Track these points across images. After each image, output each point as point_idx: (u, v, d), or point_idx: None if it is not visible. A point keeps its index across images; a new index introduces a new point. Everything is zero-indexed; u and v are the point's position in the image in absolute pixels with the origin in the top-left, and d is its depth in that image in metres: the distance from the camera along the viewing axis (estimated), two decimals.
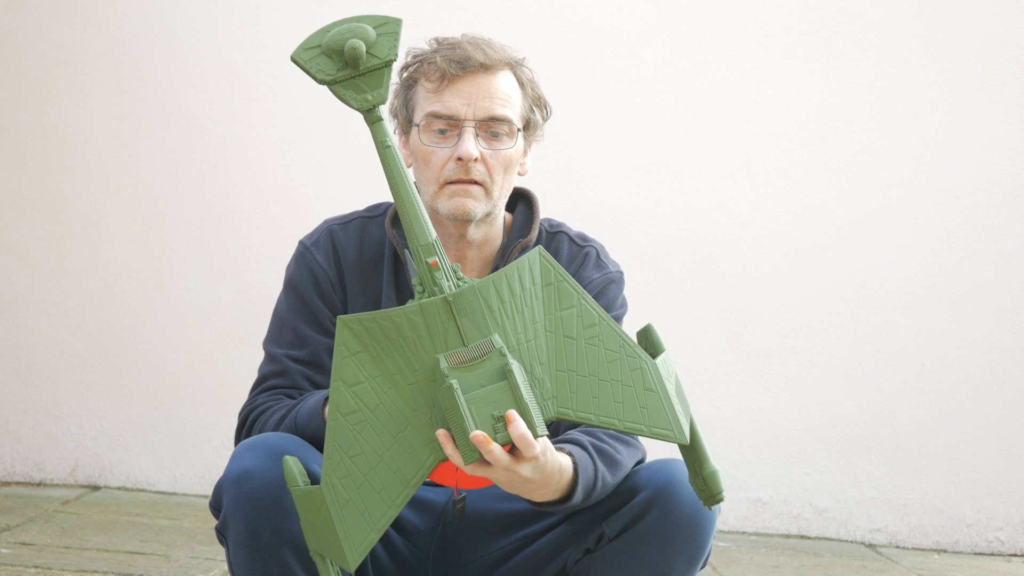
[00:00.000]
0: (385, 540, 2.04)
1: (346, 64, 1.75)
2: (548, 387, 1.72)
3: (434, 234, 1.77)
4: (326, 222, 2.21)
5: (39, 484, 4.42)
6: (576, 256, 2.16)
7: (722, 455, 4.42)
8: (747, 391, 4.45)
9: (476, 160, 2.06)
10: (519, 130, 2.11)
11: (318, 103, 4.43)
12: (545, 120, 2.18)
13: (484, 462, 1.71)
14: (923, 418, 4.45)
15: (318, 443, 1.93)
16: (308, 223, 2.46)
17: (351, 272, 2.12)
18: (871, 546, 4.42)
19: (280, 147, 4.46)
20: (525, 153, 2.17)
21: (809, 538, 4.44)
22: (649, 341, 1.80)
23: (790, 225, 4.47)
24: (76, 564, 3.29)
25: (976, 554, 4.44)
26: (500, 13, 4.35)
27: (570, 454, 1.89)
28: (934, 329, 4.46)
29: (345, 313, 2.05)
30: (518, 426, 1.67)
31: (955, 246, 4.46)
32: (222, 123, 4.45)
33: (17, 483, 4.42)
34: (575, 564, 2.00)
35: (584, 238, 2.19)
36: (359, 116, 4.81)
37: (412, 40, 2.16)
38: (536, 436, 1.69)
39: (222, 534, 1.94)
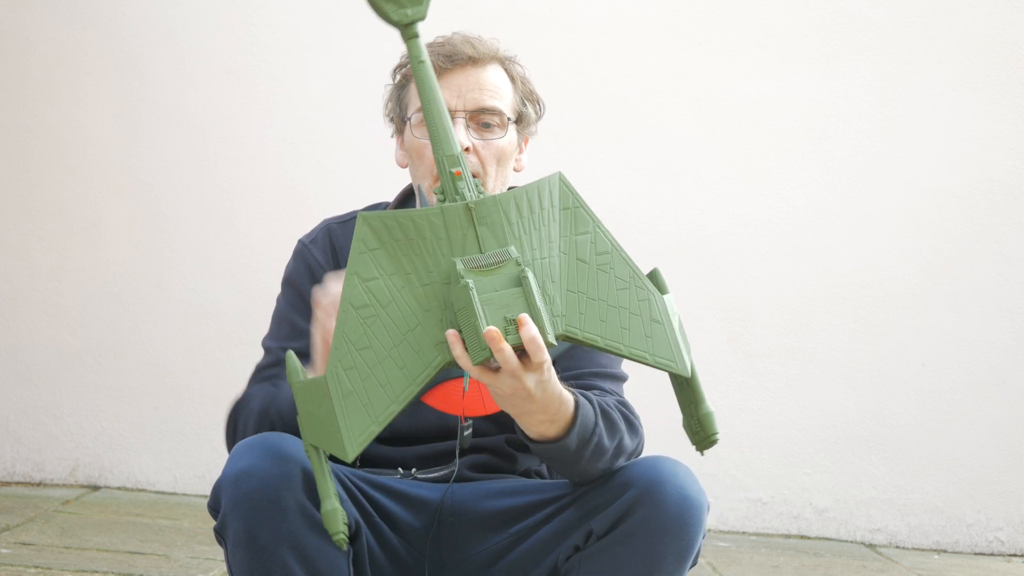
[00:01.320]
0: (381, 539, 2.05)
1: None
2: (558, 305, 1.74)
3: (459, 147, 1.79)
4: (325, 221, 2.23)
5: (39, 484, 4.42)
6: None
7: (722, 455, 4.42)
8: (747, 391, 4.45)
9: (467, 150, 2.07)
10: (510, 120, 2.12)
11: (318, 103, 4.44)
12: (538, 116, 2.19)
13: (489, 369, 1.74)
14: (923, 418, 4.45)
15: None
16: (308, 223, 2.46)
17: None
18: (871, 546, 4.41)
19: (280, 147, 4.46)
20: (520, 149, 2.18)
21: (809, 538, 4.44)
22: (655, 284, 1.83)
23: (790, 225, 4.47)
24: (76, 564, 3.30)
25: (976, 554, 4.44)
26: (500, 13, 4.35)
27: (574, 395, 1.90)
28: (934, 329, 4.46)
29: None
30: (529, 328, 1.70)
31: (955, 246, 4.46)
32: (222, 123, 4.45)
33: (17, 483, 4.42)
34: (565, 562, 2.00)
35: None
36: (358, 116, 4.79)
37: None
38: (546, 342, 1.71)
39: (220, 535, 1.94)
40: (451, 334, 1.71)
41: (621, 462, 2.00)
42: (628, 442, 2.01)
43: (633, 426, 2.03)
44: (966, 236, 4.46)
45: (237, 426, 2.09)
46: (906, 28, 4.45)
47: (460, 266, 1.71)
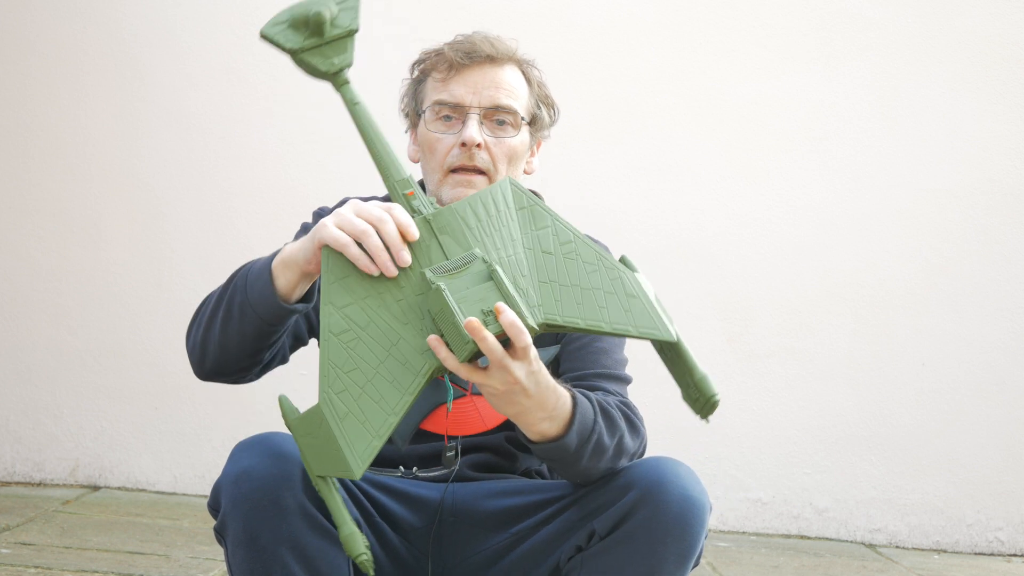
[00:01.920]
0: (382, 539, 2.05)
1: (312, 33, 1.87)
2: (533, 297, 1.77)
3: (407, 172, 1.85)
4: (346, 197, 2.27)
5: (39, 484, 4.42)
6: None
7: (722, 455, 4.43)
8: (747, 391, 4.45)
9: (479, 146, 2.09)
10: (524, 120, 2.14)
11: (318, 103, 4.43)
12: (552, 120, 2.22)
13: (478, 367, 1.75)
14: (923, 418, 4.45)
15: (262, 307, 1.92)
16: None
17: None
18: (871, 546, 4.42)
19: (280, 147, 4.46)
20: (532, 152, 2.20)
21: (809, 538, 4.44)
22: (625, 267, 1.87)
23: (790, 225, 4.47)
24: (76, 564, 3.30)
25: (976, 554, 4.44)
26: (500, 13, 4.35)
27: (571, 391, 1.91)
28: (934, 329, 4.46)
29: None
30: (508, 314, 1.71)
31: (955, 246, 4.46)
32: (222, 123, 4.45)
33: (17, 483, 4.42)
34: (567, 562, 2.00)
35: (591, 239, 2.20)
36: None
37: (413, 40, 2.19)
38: (527, 326, 1.72)
39: (220, 534, 1.94)
40: (433, 339, 1.72)
41: (623, 462, 2.00)
42: (629, 442, 2.00)
43: (635, 426, 2.03)
44: (966, 236, 4.46)
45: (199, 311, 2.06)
46: (906, 28, 4.46)
47: (429, 274, 1.75)
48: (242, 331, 1.95)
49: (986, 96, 4.45)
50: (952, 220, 4.46)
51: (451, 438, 2.10)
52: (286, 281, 1.91)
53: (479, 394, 2.09)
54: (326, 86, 4.62)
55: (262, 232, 4.42)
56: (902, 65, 4.46)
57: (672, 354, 1.85)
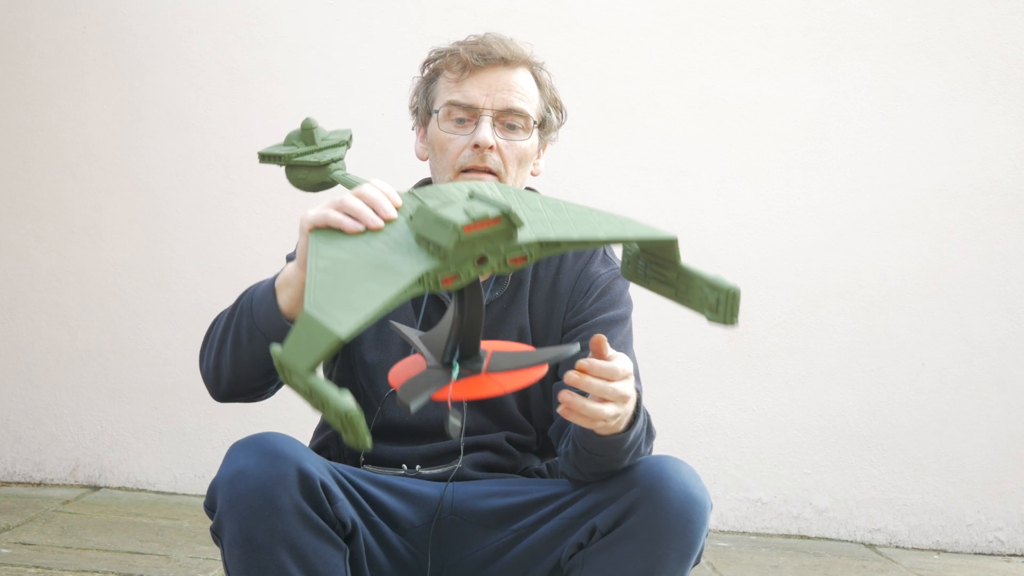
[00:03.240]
0: (380, 538, 2.05)
1: (305, 143, 2.06)
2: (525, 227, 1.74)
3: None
4: None
5: (39, 484, 4.42)
6: (583, 251, 2.18)
7: (722, 455, 4.42)
8: (747, 391, 4.45)
9: (492, 148, 2.12)
10: (534, 123, 2.16)
11: (318, 103, 4.44)
12: (560, 123, 2.24)
13: (585, 415, 1.79)
14: (923, 418, 4.45)
15: (268, 327, 1.93)
16: None
17: None
18: (871, 546, 4.42)
19: None
20: (539, 154, 2.21)
21: (809, 538, 4.44)
22: None
23: (790, 225, 4.47)
24: (76, 564, 3.30)
25: (976, 554, 4.44)
26: (500, 13, 4.35)
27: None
28: (934, 329, 4.46)
29: None
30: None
31: (955, 246, 4.46)
32: (222, 123, 4.45)
33: (17, 483, 4.42)
34: (568, 560, 2.00)
35: None
36: (358, 116, 4.76)
37: (413, 39, 2.19)
38: (518, 223, 1.63)
39: (217, 535, 1.95)
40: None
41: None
42: (648, 446, 2.03)
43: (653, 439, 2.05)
44: (966, 236, 4.46)
45: (211, 332, 2.07)
46: (906, 28, 4.46)
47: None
48: (252, 352, 1.97)
49: (986, 96, 4.45)
50: (952, 220, 4.46)
51: (458, 404, 2.07)
52: (288, 298, 1.93)
53: (494, 371, 2.07)
54: (325, 82, 4.61)
55: (262, 232, 4.42)
56: (902, 65, 4.46)
57: (677, 275, 1.79)
